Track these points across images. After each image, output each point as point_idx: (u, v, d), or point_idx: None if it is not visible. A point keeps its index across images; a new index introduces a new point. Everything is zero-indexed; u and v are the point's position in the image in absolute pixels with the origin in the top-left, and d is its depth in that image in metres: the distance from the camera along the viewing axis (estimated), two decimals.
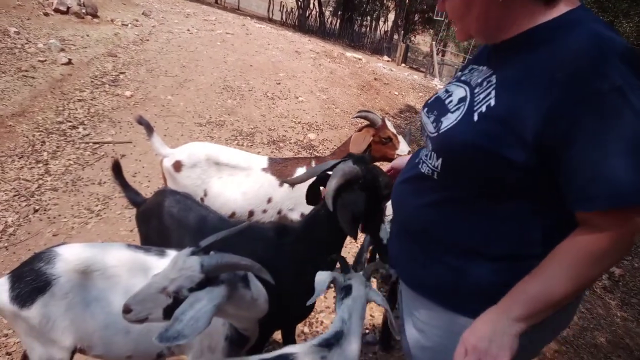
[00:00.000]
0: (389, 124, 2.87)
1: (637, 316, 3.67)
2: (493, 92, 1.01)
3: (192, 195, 2.34)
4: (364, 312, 1.60)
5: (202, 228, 2.08)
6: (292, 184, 2.03)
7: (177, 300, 1.22)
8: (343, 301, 1.58)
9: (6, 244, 3.05)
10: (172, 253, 1.68)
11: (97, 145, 4.67)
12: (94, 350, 1.59)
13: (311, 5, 21.53)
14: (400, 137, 2.88)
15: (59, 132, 4.78)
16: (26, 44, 6.93)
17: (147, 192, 3.86)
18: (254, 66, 8.61)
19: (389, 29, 22.95)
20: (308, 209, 2.26)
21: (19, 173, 3.91)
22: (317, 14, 21.89)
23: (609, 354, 3.12)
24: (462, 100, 1.10)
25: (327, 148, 5.78)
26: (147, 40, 9.00)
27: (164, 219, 2.08)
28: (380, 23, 23.19)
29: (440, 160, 1.12)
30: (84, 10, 9.42)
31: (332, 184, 1.75)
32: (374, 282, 3.38)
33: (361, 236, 2.06)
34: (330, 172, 1.89)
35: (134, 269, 1.59)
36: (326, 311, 2.94)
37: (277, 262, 1.70)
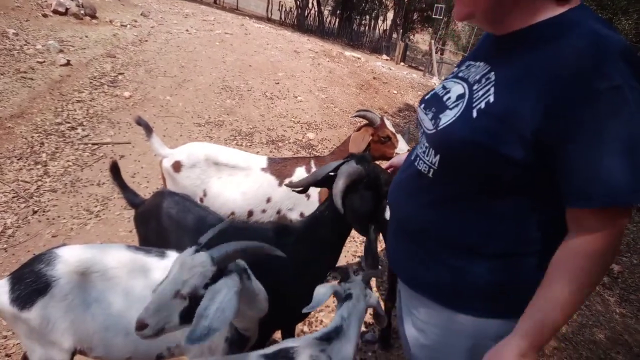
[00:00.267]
0: (388, 123, 2.88)
1: (636, 313, 3.67)
2: (492, 89, 1.01)
3: (190, 197, 2.34)
4: (363, 315, 1.62)
5: (201, 229, 2.07)
6: (297, 187, 2.06)
7: (194, 300, 1.22)
8: (343, 304, 1.62)
9: (5, 246, 3.05)
10: (171, 254, 1.68)
11: (96, 146, 4.67)
12: (94, 352, 1.59)
13: (310, 5, 21.51)
14: (399, 136, 2.88)
15: (58, 133, 4.78)
16: (25, 45, 6.93)
17: (146, 192, 3.86)
18: (253, 66, 8.61)
19: (387, 28, 22.93)
20: (307, 208, 2.27)
21: (18, 174, 3.91)
22: (316, 13, 21.88)
23: (608, 350, 3.12)
24: (460, 97, 1.09)
25: (326, 147, 5.78)
26: (146, 40, 9.00)
27: (162, 220, 2.08)
28: (379, 22, 23.19)
29: (438, 157, 1.12)
30: (82, 12, 9.42)
31: (339, 186, 1.78)
32: (373, 281, 3.38)
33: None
34: (331, 174, 1.91)
35: (134, 270, 1.59)
36: (325, 310, 2.94)
37: (278, 262, 1.69)
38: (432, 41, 18.37)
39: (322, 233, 1.94)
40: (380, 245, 3.63)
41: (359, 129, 2.91)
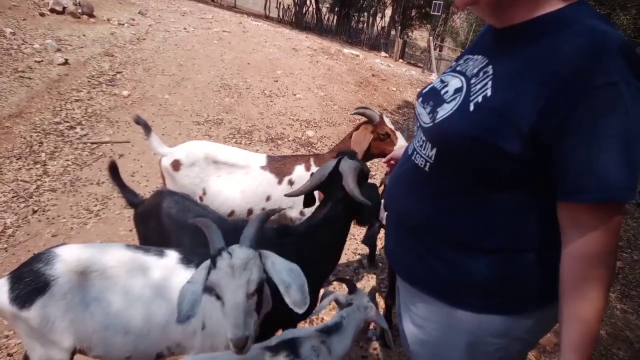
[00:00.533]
0: (387, 120, 2.87)
1: (637, 308, 3.68)
2: (490, 83, 1.01)
3: (190, 196, 2.33)
4: (359, 324, 1.70)
5: (200, 228, 2.07)
6: (296, 195, 2.09)
7: (260, 290, 1.33)
8: (344, 308, 1.73)
9: (5, 245, 3.04)
10: (170, 253, 1.68)
11: (95, 146, 4.66)
12: (94, 351, 1.59)
13: (308, 2, 21.46)
14: (398, 133, 2.88)
15: (57, 133, 4.77)
16: (22, 44, 6.91)
17: (146, 191, 3.86)
18: (251, 64, 8.59)
19: (386, 25, 22.89)
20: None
21: (17, 174, 3.90)
22: (314, 10, 21.83)
23: (609, 346, 3.13)
24: (458, 90, 1.09)
25: (326, 145, 5.78)
26: (144, 39, 8.98)
27: (162, 220, 2.08)
28: (378, 19, 23.14)
29: (434, 151, 1.12)
30: (80, 10, 9.39)
31: (352, 184, 1.85)
32: (372, 278, 3.38)
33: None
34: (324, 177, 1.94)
35: (133, 269, 1.59)
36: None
37: None
38: (431, 38, 18.36)
39: (323, 234, 1.95)
40: (380, 242, 3.63)
41: (358, 127, 2.91)
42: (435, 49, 17.96)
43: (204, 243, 1.94)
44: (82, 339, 1.54)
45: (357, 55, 12.70)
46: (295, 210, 2.77)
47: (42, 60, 6.56)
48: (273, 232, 1.97)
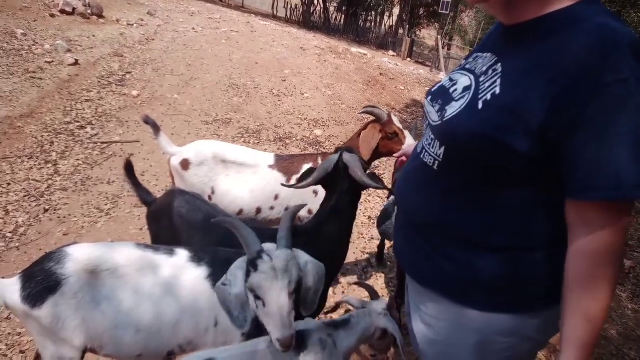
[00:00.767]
0: (395, 119, 2.86)
1: None
2: (499, 81, 1.01)
3: (201, 196, 2.35)
4: (369, 327, 1.69)
5: (210, 228, 2.09)
6: (299, 188, 2.12)
7: (299, 289, 1.38)
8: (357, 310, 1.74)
9: (17, 244, 3.08)
10: (180, 252, 1.69)
11: (105, 145, 4.70)
12: (105, 350, 1.60)
13: (315, 2, 21.45)
14: (406, 132, 2.86)
15: (67, 133, 4.82)
16: (33, 45, 6.99)
17: (156, 190, 3.89)
18: (260, 63, 8.61)
19: (394, 24, 22.82)
20: (315, 205, 2.27)
21: (29, 174, 3.95)
22: (322, 10, 21.82)
23: (620, 346, 3.10)
24: (467, 88, 1.09)
25: (334, 144, 5.78)
26: (153, 39, 9.04)
27: (173, 219, 2.10)
28: (385, 18, 23.08)
29: (443, 149, 1.12)
30: (89, 11, 9.47)
31: (360, 172, 1.91)
32: (381, 277, 3.38)
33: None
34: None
35: (143, 268, 1.60)
36: None
37: None
38: (439, 36, 18.28)
39: (331, 228, 1.97)
40: (389, 241, 3.63)
41: (366, 126, 2.90)
42: (443, 48, 17.89)
43: (215, 242, 1.97)
44: (93, 337, 1.55)
45: (365, 54, 12.68)
46: (304, 209, 2.78)
47: (52, 61, 6.63)
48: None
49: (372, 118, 2.90)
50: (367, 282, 3.27)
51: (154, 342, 1.59)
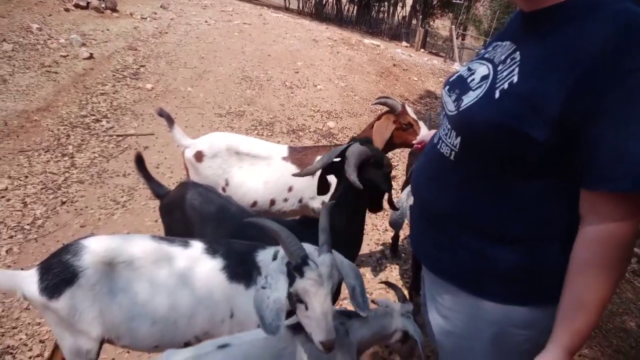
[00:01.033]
0: (409, 110, 2.84)
1: None
2: (516, 69, 0.99)
3: (214, 188, 2.36)
4: (387, 326, 1.69)
5: (224, 220, 2.10)
6: (304, 175, 2.12)
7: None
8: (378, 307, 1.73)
9: (35, 236, 3.13)
10: (195, 244, 1.70)
11: (121, 138, 4.75)
12: (122, 341, 1.62)
13: None
14: (421, 123, 2.84)
15: (83, 126, 4.87)
16: (48, 39, 7.06)
17: (170, 183, 3.92)
18: (272, 56, 8.60)
19: (407, 14, 22.57)
20: (329, 197, 2.27)
21: (46, 166, 4.00)
22: (334, 1, 21.65)
23: (639, 338, 3.06)
24: (484, 78, 1.08)
25: (347, 136, 5.76)
26: (166, 32, 9.08)
27: (186, 211, 2.11)
28: (398, 8, 22.79)
29: (459, 139, 1.11)
30: (103, 5, 9.54)
31: (350, 167, 1.87)
32: (395, 268, 3.37)
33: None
34: (337, 160, 1.95)
35: (159, 259, 1.61)
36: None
37: None
38: (453, 26, 18.04)
39: (339, 219, 1.95)
40: (403, 232, 3.61)
41: (379, 117, 2.89)
42: (457, 38, 17.65)
43: (228, 234, 1.98)
44: (110, 329, 1.57)
45: (378, 46, 12.58)
46: (317, 200, 2.78)
47: (67, 55, 6.69)
48: (295, 224, 1.99)
49: (385, 109, 2.88)
50: (381, 273, 3.26)
51: (170, 333, 1.60)
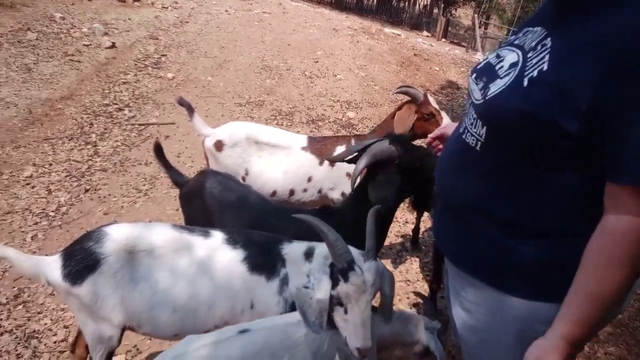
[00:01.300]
0: (431, 99, 2.78)
1: None
2: (547, 57, 0.96)
3: (233, 176, 2.36)
4: (406, 334, 1.64)
5: (243, 208, 2.10)
6: (332, 161, 2.09)
7: None
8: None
9: (60, 223, 3.19)
10: (216, 233, 1.70)
11: (143, 127, 4.80)
12: (143, 329, 1.64)
13: None
14: (443, 113, 2.78)
15: (106, 115, 4.93)
16: (71, 28, 7.15)
17: (191, 171, 3.94)
18: (292, 45, 8.56)
19: (428, 3, 22.23)
20: (349, 188, 2.25)
21: (70, 154, 4.07)
22: None
23: None
24: (513, 65, 1.04)
25: (367, 126, 5.71)
26: (187, 22, 9.11)
27: (206, 200, 2.11)
28: None
29: (485, 129, 1.08)
30: None
31: (360, 164, 1.81)
32: (415, 261, 3.34)
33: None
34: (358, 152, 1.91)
35: (179, 248, 1.62)
36: None
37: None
38: (476, 15, 17.71)
39: (364, 212, 1.93)
40: (424, 225, 3.58)
41: (400, 107, 2.84)
42: (480, 27, 17.32)
43: (247, 223, 1.97)
44: (131, 316, 1.59)
45: (399, 35, 12.42)
46: (337, 191, 2.76)
47: (90, 44, 6.77)
48: (316, 213, 1.97)
49: (407, 99, 2.83)
50: (401, 265, 3.24)
51: (190, 322, 1.61)
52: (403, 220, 3.85)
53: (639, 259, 0.90)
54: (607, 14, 0.89)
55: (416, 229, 3.47)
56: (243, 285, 1.62)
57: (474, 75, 1.19)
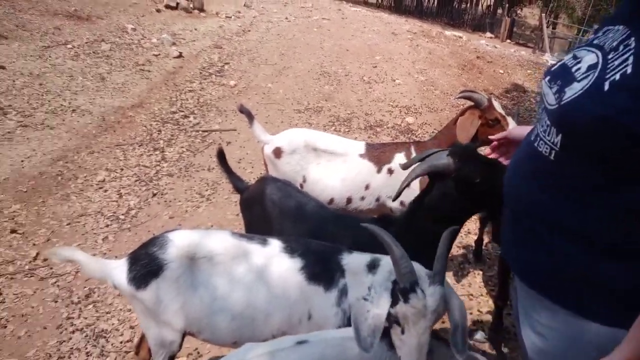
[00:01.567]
0: (496, 104, 2.66)
1: None
2: (630, 58, 0.88)
3: (292, 183, 2.38)
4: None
5: (302, 215, 2.11)
6: (407, 167, 2.05)
7: None
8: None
9: (129, 226, 3.37)
10: (273, 242, 1.72)
11: (206, 133, 4.98)
12: (202, 335, 1.68)
13: None
14: (509, 119, 2.64)
15: (173, 122, 5.17)
16: (142, 39, 7.58)
17: (251, 177, 4.04)
18: (350, 50, 8.58)
19: (491, 3, 21.47)
20: (408, 196, 2.20)
21: (139, 160, 4.29)
22: None
23: None
24: (592, 67, 0.96)
25: (426, 132, 5.59)
26: (249, 30, 9.38)
27: (266, 206, 2.14)
28: None
29: (560, 136, 1.00)
30: (191, 5, 10.07)
31: (412, 174, 1.77)
32: (479, 274, 3.22)
33: None
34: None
35: (237, 256, 1.64)
36: None
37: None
38: (543, 15, 16.88)
39: (422, 224, 1.87)
40: (487, 236, 3.44)
41: (463, 112, 2.74)
42: (548, 27, 16.50)
43: (306, 230, 1.98)
44: (192, 322, 1.63)
45: (460, 37, 12.10)
46: (396, 200, 2.71)
47: (159, 54, 7.14)
48: (374, 223, 1.94)
49: (469, 103, 2.73)
50: (463, 279, 3.12)
51: (248, 330, 1.63)
52: (465, 231, 3.72)
53: None
54: None
55: (479, 241, 3.33)
56: (300, 295, 1.62)
57: (547, 78, 1.11)
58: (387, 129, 5.58)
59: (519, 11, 22.54)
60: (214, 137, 4.90)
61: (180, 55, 7.20)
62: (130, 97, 5.66)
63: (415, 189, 2.67)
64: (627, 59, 0.89)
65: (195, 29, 8.76)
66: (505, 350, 2.49)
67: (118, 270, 1.61)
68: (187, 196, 3.81)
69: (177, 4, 9.83)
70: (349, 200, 2.73)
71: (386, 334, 1.35)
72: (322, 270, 1.64)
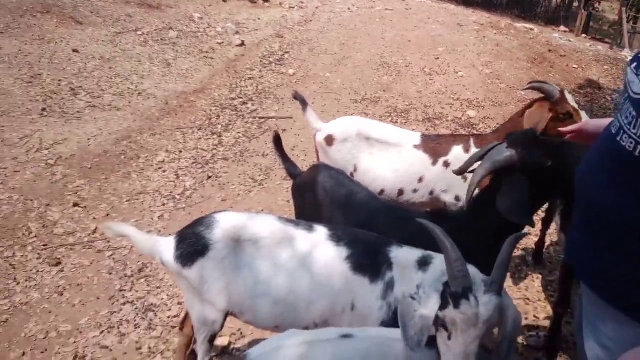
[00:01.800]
0: (569, 97, 2.44)
1: None
2: None
3: (344, 172, 2.34)
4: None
5: (353, 204, 2.07)
6: (459, 174, 1.95)
7: None
8: None
9: (184, 205, 3.47)
10: (320, 229, 1.68)
11: (263, 120, 5.04)
12: (244, 317, 1.68)
13: None
14: (582, 113, 2.42)
15: (232, 108, 5.27)
16: (207, 28, 7.79)
17: (304, 165, 4.03)
18: (412, 41, 8.36)
19: None
20: (463, 191, 2.09)
21: (197, 143, 4.42)
22: None
23: None
24: None
25: (489, 126, 5.34)
26: (311, 20, 9.38)
27: (317, 193, 2.12)
28: None
29: None
30: None
31: (477, 175, 1.65)
32: (538, 278, 3.04)
33: None
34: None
35: (283, 241, 1.63)
36: None
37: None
38: (624, 8, 15.67)
39: (482, 222, 1.77)
40: (550, 238, 3.23)
41: (531, 104, 2.55)
42: (628, 22, 15.30)
43: (356, 220, 1.93)
44: (235, 303, 1.64)
45: (531, 29, 11.46)
46: (450, 194, 2.59)
47: (222, 42, 7.31)
48: (427, 217, 1.84)
49: (540, 95, 2.54)
50: (520, 283, 2.95)
51: (290, 316, 1.62)
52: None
53: None
54: None
55: (541, 242, 3.11)
56: (345, 285, 1.58)
57: (633, 65, 1.00)
58: (446, 122, 5.39)
59: (596, 5, 21.08)
60: (270, 124, 4.95)
61: (242, 44, 7.35)
62: (193, 82, 5.84)
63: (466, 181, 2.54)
64: None
65: (259, 19, 8.88)
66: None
67: (166, 247, 1.65)
68: (241, 180, 3.87)
69: None
70: (401, 192, 2.65)
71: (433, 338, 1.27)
72: (369, 261, 1.59)
